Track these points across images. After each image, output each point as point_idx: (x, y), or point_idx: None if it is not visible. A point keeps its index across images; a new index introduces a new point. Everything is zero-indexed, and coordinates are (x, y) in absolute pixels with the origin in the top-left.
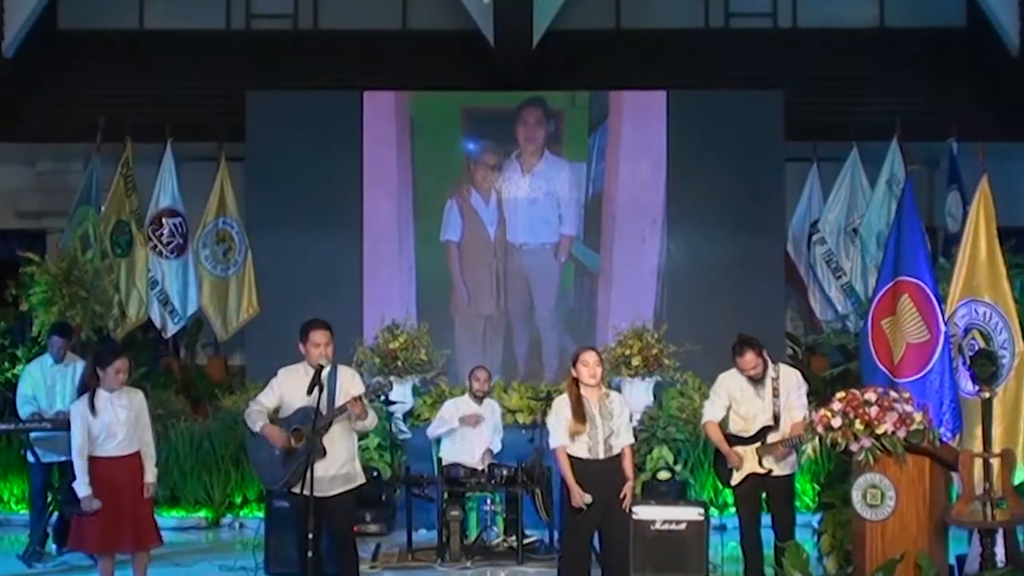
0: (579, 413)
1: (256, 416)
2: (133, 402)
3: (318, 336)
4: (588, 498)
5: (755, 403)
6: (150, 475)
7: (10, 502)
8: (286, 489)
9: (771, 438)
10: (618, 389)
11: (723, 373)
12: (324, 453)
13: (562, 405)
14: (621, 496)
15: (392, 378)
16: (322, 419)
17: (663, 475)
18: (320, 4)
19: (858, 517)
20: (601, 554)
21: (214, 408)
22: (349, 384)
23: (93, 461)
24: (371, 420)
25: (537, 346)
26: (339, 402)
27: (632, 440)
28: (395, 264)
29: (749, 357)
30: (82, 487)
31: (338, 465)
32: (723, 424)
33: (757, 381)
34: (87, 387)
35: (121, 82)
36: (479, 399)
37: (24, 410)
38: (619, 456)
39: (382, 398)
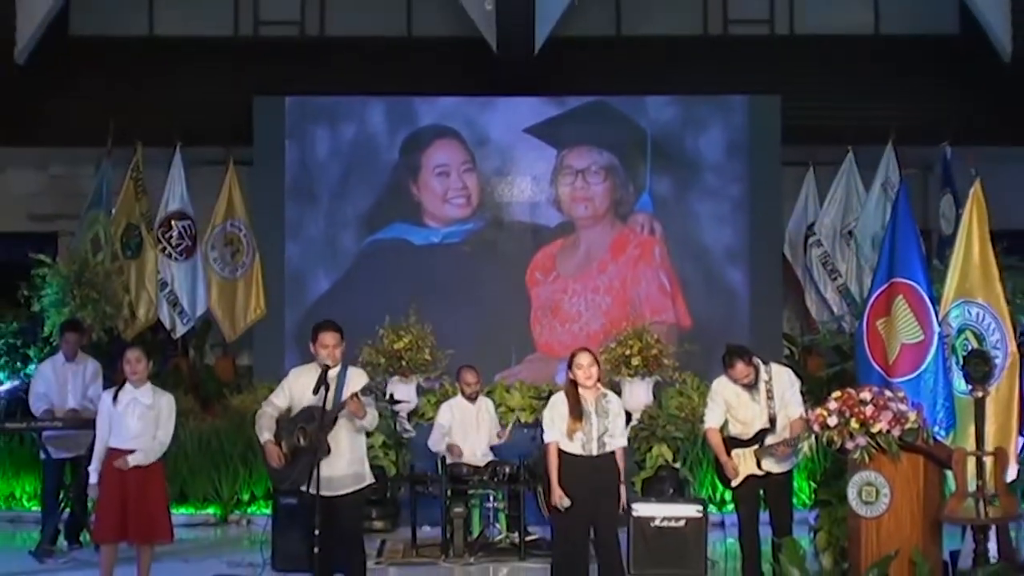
0: (576, 411)
1: (265, 424)
2: (157, 402)
3: (327, 338)
4: (567, 501)
5: (751, 408)
6: (139, 454)
7: (22, 499)
8: (295, 488)
9: (769, 440)
10: (618, 389)
11: (717, 379)
12: (329, 451)
13: (559, 402)
14: (616, 497)
15: (397, 378)
16: (325, 416)
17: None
18: (327, 11)
19: (853, 514)
20: (594, 551)
21: (222, 407)
22: (356, 384)
23: (109, 451)
24: (370, 419)
25: None
26: None
27: (625, 443)
28: (400, 265)
29: (740, 367)
30: (92, 473)
31: (345, 464)
32: (723, 427)
33: (751, 387)
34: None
35: (131, 88)
36: (472, 399)
37: (37, 408)
38: (612, 454)
39: (386, 396)
